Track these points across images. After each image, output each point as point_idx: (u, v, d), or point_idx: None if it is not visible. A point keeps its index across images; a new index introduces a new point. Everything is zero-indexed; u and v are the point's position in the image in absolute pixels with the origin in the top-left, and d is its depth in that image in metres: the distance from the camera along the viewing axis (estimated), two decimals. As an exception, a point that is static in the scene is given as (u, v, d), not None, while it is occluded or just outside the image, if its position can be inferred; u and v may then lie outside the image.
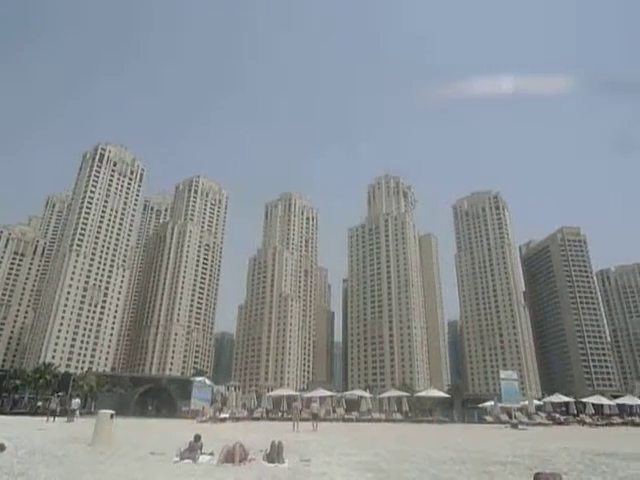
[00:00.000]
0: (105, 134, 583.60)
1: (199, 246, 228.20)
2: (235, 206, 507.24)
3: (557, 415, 56.22)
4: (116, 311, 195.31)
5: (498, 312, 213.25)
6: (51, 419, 36.51)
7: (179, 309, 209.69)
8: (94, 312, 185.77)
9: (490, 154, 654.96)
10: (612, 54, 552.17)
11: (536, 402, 61.04)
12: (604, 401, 60.83)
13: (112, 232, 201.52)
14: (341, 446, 19.19)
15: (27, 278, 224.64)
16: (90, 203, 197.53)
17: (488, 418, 55.45)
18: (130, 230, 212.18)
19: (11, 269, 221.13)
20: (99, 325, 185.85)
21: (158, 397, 62.75)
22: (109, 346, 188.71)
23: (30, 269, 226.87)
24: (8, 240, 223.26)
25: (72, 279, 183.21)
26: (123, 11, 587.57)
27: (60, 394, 48.97)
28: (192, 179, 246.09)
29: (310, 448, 17.00)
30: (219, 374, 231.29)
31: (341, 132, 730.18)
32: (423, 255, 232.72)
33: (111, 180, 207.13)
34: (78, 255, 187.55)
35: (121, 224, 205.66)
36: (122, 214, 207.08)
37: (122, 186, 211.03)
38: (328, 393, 62.29)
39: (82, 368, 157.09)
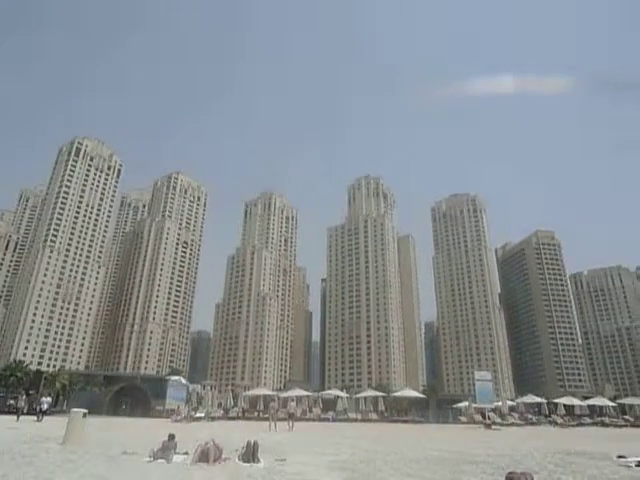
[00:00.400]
0: (83, 128, 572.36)
1: (177, 243, 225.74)
2: (214, 204, 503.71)
3: (529, 416, 57.24)
4: (90, 308, 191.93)
5: (474, 313, 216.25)
6: (21, 418, 35.66)
7: (155, 307, 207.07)
8: (68, 309, 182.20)
9: (470, 157, 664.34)
10: (586, 55, 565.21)
11: (509, 403, 62.00)
12: (575, 402, 62.23)
13: (87, 228, 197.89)
14: (317, 446, 19.20)
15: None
16: (65, 198, 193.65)
17: (462, 418, 56.16)
18: (106, 226, 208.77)
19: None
20: (73, 322, 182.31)
21: (132, 396, 61.79)
22: (83, 344, 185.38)
23: (2, 264, 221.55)
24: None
25: (45, 275, 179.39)
26: (106, 4, 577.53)
27: (31, 392, 47.92)
28: (171, 175, 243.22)
29: (286, 448, 16.96)
30: (195, 373, 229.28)
31: (322, 133, 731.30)
32: (401, 256, 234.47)
33: (87, 175, 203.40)
34: (52, 251, 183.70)
35: (97, 220, 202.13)
36: (98, 210, 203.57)
37: (99, 181, 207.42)
38: (305, 393, 62.22)
39: (54, 366, 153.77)
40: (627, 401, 68.18)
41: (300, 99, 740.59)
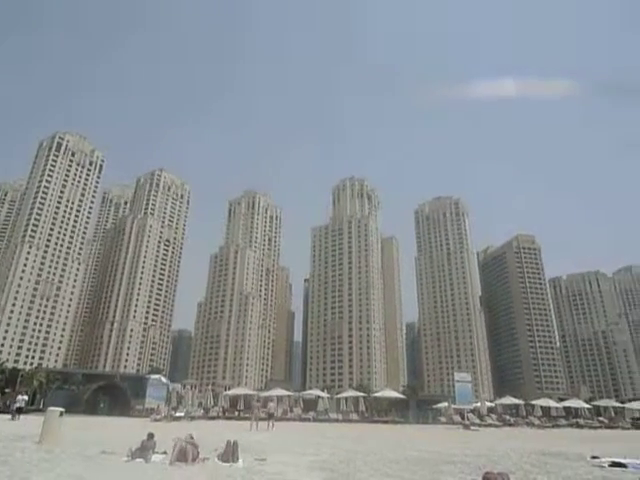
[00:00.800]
0: (65, 123, 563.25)
1: (159, 241, 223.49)
2: (198, 203, 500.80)
3: (507, 417, 58.02)
4: (69, 305, 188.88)
5: (455, 315, 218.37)
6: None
7: (136, 305, 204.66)
8: (46, 306, 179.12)
9: (455, 160, 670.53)
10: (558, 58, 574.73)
11: (488, 404, 62.73)
12: (552, 404, 63.29)
13: (68, 224, 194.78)
14: (297, 446, 19.22)
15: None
16: (45, 193, 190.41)
17: (442, 419, 56.67)
18: (87, 222, 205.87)
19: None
20: (51, 320, 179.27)
21: (111, 395, 60.87)
22: (61, 341, 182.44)
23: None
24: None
25: (24, 271, 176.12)
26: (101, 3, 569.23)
27: (7, 390, 47.03)
28: (154, 172, 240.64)
29: (266, 448, 16.95)
30: (176, 372, 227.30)
31: (309, 133, 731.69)
32: (384, 258, 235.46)
33: (68, 170, 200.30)
34: (31, 247, 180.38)
35: (77, 216, 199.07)
36: (79, 206, 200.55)
37: (80, 177, 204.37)
38: (286, 393, 62.16)
39: (32, 364, 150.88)
40: (602, 403, 69.53)
41: (288, 99, 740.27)
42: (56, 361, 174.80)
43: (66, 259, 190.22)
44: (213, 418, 50.91)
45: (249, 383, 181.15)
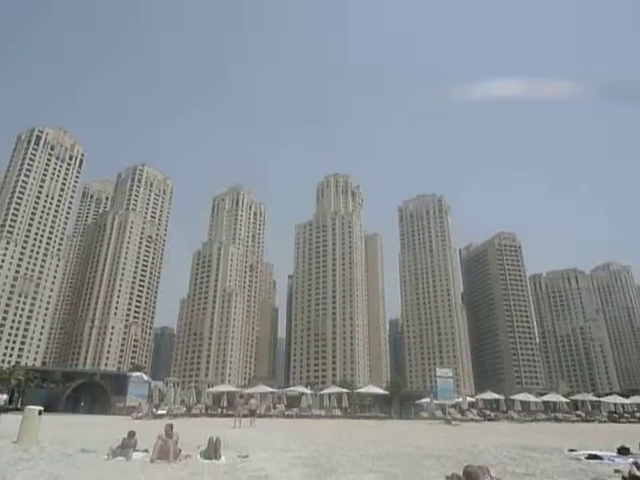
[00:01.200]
0: (46, 117, 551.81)
1: (141, 237, 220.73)
2: (181, 199, 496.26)
3: (488, 412, 58.76)
4: (48, 302, 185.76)
5: (437, 312, 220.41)
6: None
7: (117, 302, 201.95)
8: (24, 303, 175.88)
9: (438, 159, 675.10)
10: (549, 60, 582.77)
11: (469, 399, 63.43)
12: (531, 399, 64.28)
13: (47, 219, 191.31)
14: (280, 442, 19.23)
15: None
16: (23, 188, 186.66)
17: (424, 414, 57.16)
18: (66, 218, 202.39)
19: None
20: (29, 317, 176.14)
21: (91, 393, 60.11)
22: (40, 339, 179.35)
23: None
24: None
25: (1, 267, 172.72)
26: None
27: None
28: (136, 167, 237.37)
29: (249, 444, 16.92)
30: (158, 370, 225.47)
31: (293, 131, 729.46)
32: (368, 255, 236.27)
33: (48, 164, 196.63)
34: (8, 243, 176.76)
35: (57, 211, 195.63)
36: (58, 200, 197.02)
37: (59, 171, 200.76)
38: (269, 389, 62.08)
39: (9, 362, 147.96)
40: (579, 397, 70.79)
41: (274, 96, 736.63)
42: (35, 359, 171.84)
43: (45, 255, 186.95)
44: (196, 415, 50.60)
45: (232, 380, 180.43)
